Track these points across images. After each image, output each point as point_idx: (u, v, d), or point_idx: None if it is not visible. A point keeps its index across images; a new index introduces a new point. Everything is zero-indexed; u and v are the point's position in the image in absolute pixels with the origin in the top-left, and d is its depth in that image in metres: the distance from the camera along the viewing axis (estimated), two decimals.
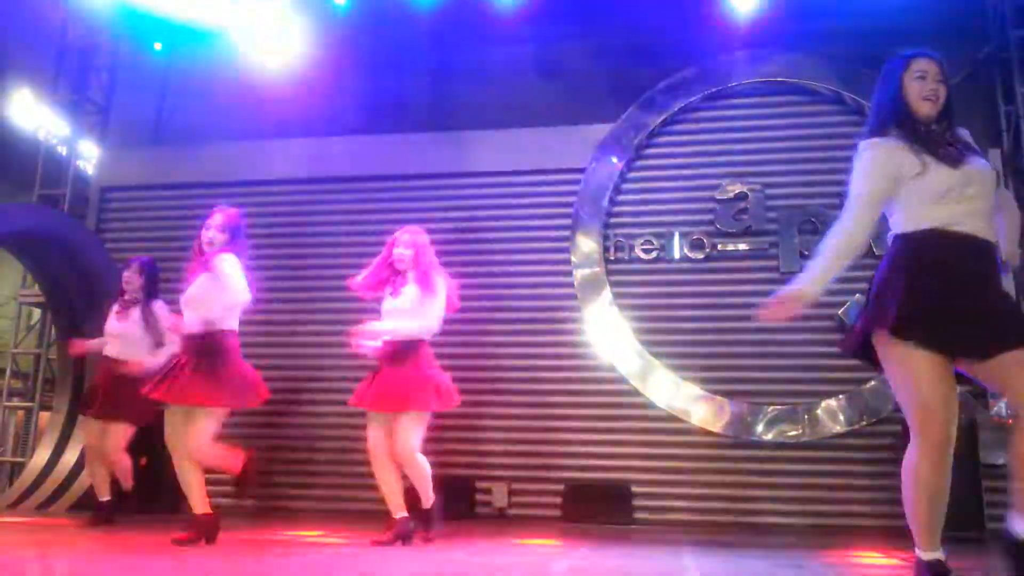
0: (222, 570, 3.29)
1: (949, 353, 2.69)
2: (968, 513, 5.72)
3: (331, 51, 7.91)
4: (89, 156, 8.77)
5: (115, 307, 5.55)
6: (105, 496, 5.47)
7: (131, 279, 5.54)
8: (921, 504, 2.67)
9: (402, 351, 4.51)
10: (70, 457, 7.33)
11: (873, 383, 6.62)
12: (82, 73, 8.86)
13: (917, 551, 2.72)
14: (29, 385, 8.67)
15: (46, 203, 8.35)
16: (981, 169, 2.80)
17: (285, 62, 7.75)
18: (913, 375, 2.68)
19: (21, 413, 8.40)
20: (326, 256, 7.66)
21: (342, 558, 3.98)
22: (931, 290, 2.70)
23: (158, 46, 8.54)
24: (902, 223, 2.87)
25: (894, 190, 2.83)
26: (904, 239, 2.84)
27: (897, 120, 2.90)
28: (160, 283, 5.69)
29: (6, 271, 11.85)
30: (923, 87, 2.87)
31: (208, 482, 4.31)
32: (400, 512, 4.44)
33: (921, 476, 2.66)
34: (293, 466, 7.23)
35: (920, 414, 2.68)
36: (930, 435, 2.65)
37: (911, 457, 2.70)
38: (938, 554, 2.69)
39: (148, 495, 6.08)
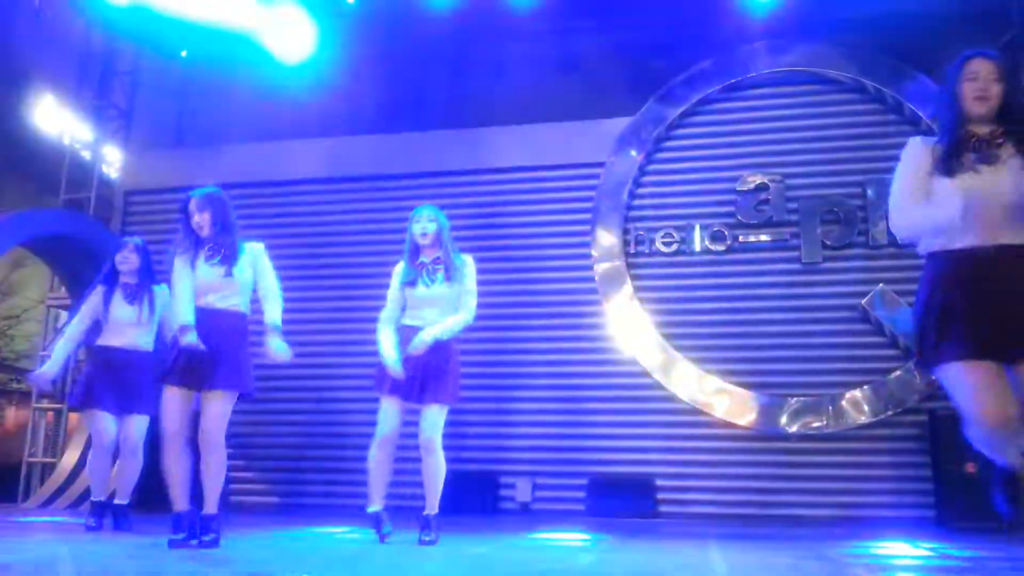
0: (247, 562, 3.33)
1: (993, 358, 2.69)
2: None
3: (349, 51, 7.95)
4: (113, 160, 8.87)
5: (117, 292, 5.09)
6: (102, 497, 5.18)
7: (129, 259, 5.13)
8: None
9: (442, 342, 4.47)
10: None
11: (898, 373, 6.57)
12: (104, 78, 8.96)
13: None
14: (58, 387, 8.78)
15: (71, 207, 8.46)
16: (1012, 175, 2.73)
17: (304, 63, 7.79)
18: (962, 389, 2.71)
19: (51, 414, 8.51)
20: (348, 255, 7.72)
21: (366, 552, 4.01)
22: (956, 308, 2.72)
23: (184, 54, 8.62)
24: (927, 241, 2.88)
25: (925, 187, 2.83)
26: (928, 257, 2.87)
27: (953, 122, 2.87)
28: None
29: (34, 275, 12.02)
30: (974, 87, 2.83)
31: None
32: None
33: None
34: (318, 462, 7.30)
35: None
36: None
37: None
38: None
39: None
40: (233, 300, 4.13)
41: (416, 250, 4.56)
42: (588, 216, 7.38)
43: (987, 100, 2.81)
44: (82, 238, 7.53)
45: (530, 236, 7.51)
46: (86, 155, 8.80)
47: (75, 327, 5.09)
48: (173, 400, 3.94)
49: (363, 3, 7.99)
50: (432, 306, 4.49)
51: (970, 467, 5.79)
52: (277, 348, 4.10)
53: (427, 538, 4.25)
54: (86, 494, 7.18)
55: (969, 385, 2.69)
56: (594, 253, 7.29)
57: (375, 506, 4.40)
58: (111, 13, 7.77)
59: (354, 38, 8.00)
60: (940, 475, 6.01)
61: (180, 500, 3.93)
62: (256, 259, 4.28)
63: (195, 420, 4.01)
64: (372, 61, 8.05)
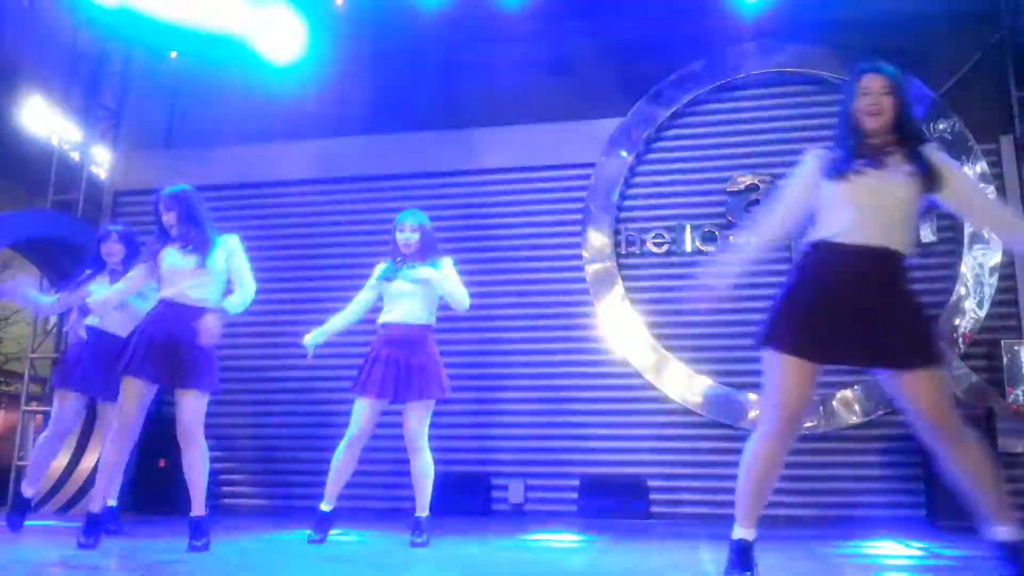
0: (245, 567, 3.32)
1: (817, 359, 2.86)
2: None
3: (339, 51, 7.93)
4: (102, 161, 8.82)
5: (104, 279, 5.05)
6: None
7: (113, 249, 5.10)
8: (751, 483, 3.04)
9: (419, 337, 4.47)
10: (89, 462, 7.39)
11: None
12: (94, 79, 8.90)
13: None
14: (47, 390, 8.73)
15: (60, 208, 8.41)
16: (897, 179, 2.87)
17: (293, 64, 7.77)
18: (777, 377, 2.90)
19: (40, 417, 8.46)
20: (338, 256, 7.70)
21: (357, 554, 4.00)
22: (805, 301, 2.87)
23: (174, 55, 8.58)
24: (808, 236, 3.05)
25: (807, 197, 3.03)
26: (802, 252, 3.03)
27: (847, 135, 3.03)
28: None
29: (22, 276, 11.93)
30: (866, 102, 2.97)
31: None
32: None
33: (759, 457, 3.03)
34: (309, 464, 7.27)
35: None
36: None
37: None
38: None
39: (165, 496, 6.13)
40: (204, 292, 4.11)
41: (400, 256, 4.61)
42: (579, 217, 7.38)
43: (879, 115, 2.94)
44: (71, 239, 7.49)
45: (521, 237, 7.51)
46: (75, 156, 8.74)
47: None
48: (135, 391, 3.91)
49: (352, 4, 7.96)
50: (410, 297, 4.47)
51: None
52: (206, 323, 3.99)
53: (419, 540, 4.25)
54: (75, 498, 7.16)
55: (783, 378, 2.87)
56: (585, 254, 7.29)
57: (329, 505, 4.41)
58: (100, 13, 7.72)
59: (343, 39, 7.98)
60: (930, 474, 6.02)
61: (109, 496, 3.96)
62: (231, 252, 4.26)
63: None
64: (362, 62, 8.03)
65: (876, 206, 2.85)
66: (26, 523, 5.11)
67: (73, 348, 5.11)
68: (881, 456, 6.53)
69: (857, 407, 6.60)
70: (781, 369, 2.87)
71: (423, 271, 4.47)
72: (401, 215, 4.69)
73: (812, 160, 3.07)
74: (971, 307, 6.60)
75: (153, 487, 6.50)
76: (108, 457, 3.93)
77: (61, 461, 7.48)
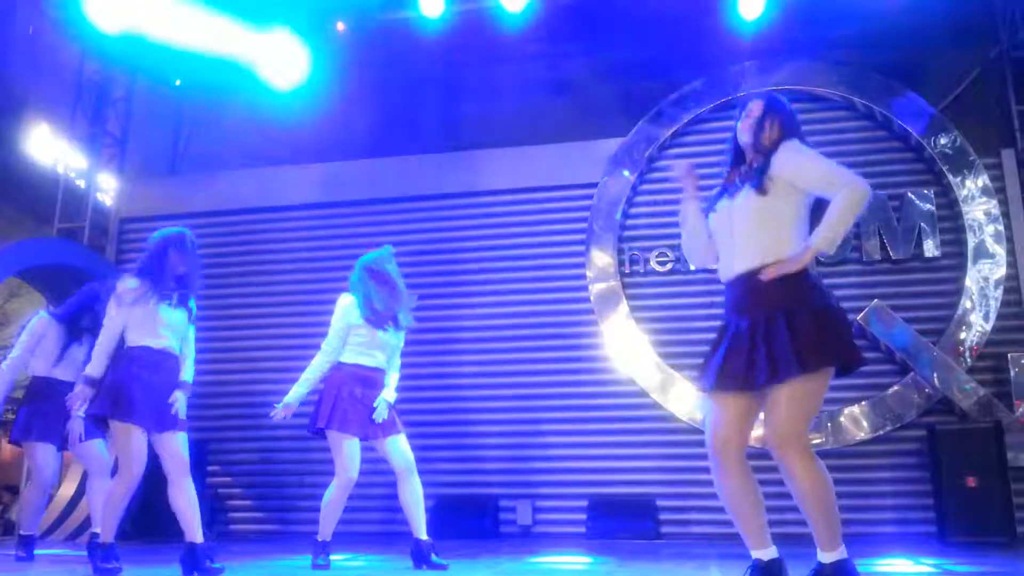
0: None
1: (720, 388, 2.90)
2: (997, 517, 5.67)
3: (341, 76, 8.00)
4: (107, 188, 8.88)
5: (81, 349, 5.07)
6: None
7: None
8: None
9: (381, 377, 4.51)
10: None
11: (896, 388, 6.58)
12: (99, 106, 8.97)
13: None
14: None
15: (66, 236, 8.44)
16: (740, 198, 2.92)
17: (296, 89, 7.83)
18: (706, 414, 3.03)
19: None
20: (343, 280, 7.68)
21: None
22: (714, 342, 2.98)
23: (178, 82, 8.65)
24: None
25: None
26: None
27: (735, 154, 3.11)
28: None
29: (29, 304, 11.98)
30: (744, 124, 3.03)
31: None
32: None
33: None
34: (314, 489, 7.24)
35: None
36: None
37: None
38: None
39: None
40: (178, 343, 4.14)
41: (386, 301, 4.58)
42: (582, 237, 7.39)
43: (747, 132, 3.01)
44: (77, 267, 7.51)
45: (525, 258, 7.52)
46: (80, 183, 8.80)
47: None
48: (142, 441, 3.91)
49: (355, 29, 8.04)
50: (386, 350, 4.52)
51: (971, 481, 5.78)
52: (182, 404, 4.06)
53: (443, 562, 4.26)
54: (84, 526, 7.15)
55: (708, 411, 2.96)
56: (589, 274, 7.30)
57: (327, 537, 4.40)
58: (105, 42, 7.80)
59: (346, 64, 8.05)
60: (941, 490, 6.00)
61: (114, 531, 3.96)
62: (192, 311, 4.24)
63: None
64: (364, 86, 8.10)
65: (725, 235, 2.97)
66: (35, 552, 5.15)
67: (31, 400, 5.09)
68: (890, 472, 6.49)
69: (865, 423, 6.57)
70: (710, 404, 3.05)
71: (390, 397, 4.48)
72: (385, 253, 4.71)
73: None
74: (977, 321, 6.59)
75: (157, 514, 6.50)
76: (117, 500, 3.93)
77: (68, 489, 7.48)
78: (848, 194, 2.73)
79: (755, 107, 3.03)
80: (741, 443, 2.96)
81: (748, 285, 2.84)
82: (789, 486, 2.87)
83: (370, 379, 4.43)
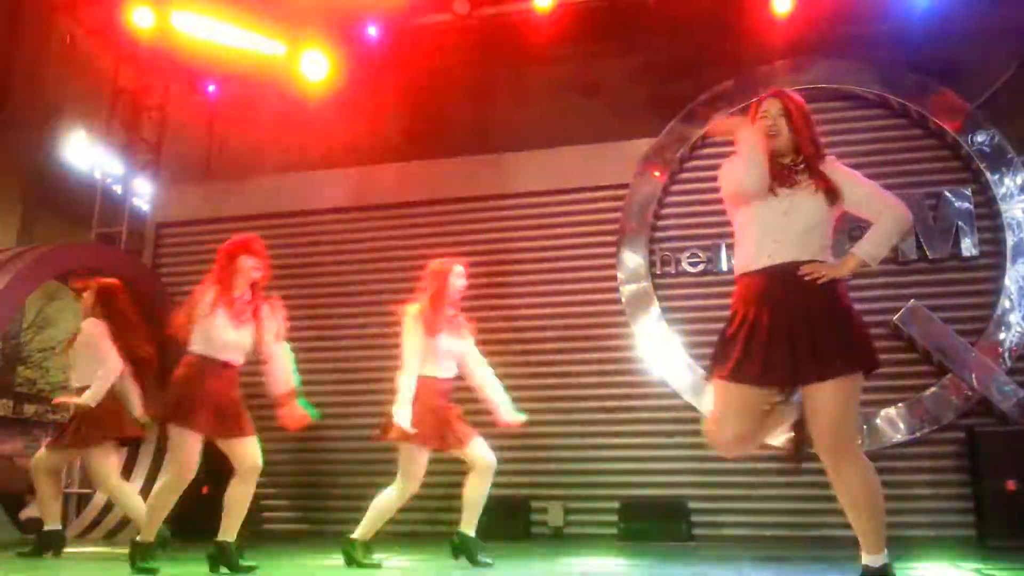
0: None
1: (754, 383, 2.87)
2: None
3: (373, 80, 8.04)
4: (143, 194, 9.02)
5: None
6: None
7: None
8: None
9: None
10: (134, 488, 7.48)
11: (933, 390, 6.48)
12: (134, 113, 9.12)
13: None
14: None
15: (104, 240, 8.60)
16: (805, 197, 2.91)
17: (328, 93, 7.90)
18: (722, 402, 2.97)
19: None
20: (374, 283, 7.75)
21: None
22: (738, 330, 2.93)
23: (211, 88, 8.77)
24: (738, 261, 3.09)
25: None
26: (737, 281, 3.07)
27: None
28: None
29: (68, 307, 12.21)
30: (764, 125, 3.03)
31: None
32: None
33: None
34: (342, 489, 7.30)
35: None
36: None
37: None
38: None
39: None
40: None
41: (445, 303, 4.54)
42: (614, 238, 7.37)
43: (776, 136, 3.01)
44: (114, 271, 7.63)
45: (556, 260, 7.51)
46: (117, 189, 8.95)
47: None
48: (198, 445, 3.98)
49: (386, 32, 8.09)
50: (458, 356, 4.54)
51: (1011, 485, 5.69)
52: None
53: (489, 561, 4.28)
54: (121, 525, 7.25)
55: (724, 404, 2.93)
56: (620, 275, 7.28)
57: (367, 537, 4.44)
58: (139, 49, 7.93)
59: (377, 67, 8.10)
60: (980, 493, 5.90)
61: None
62: None
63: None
64: (396, 89, 8.14)
65: (786, 226, 2.91)
66: (67, 550, 5.24)
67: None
68: (928, 475, 6.39)
69: (902, 425, 6.48)
70: (726, 394, 2.98)
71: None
72: (450, 262, 4.66)
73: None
74: (1016, 320, 6.47)
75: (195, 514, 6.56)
76: (164, 502, 3.99)
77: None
78: (899, 217, 2.93)
79: (772, 106, 3.06)
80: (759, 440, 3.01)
81: (789, 278, 2.84)
82: (840, 489, 2.88)
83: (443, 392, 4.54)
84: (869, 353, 2.83)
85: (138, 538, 4.07)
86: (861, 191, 2.97)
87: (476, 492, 4.38)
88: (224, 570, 3.99)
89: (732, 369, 2.86)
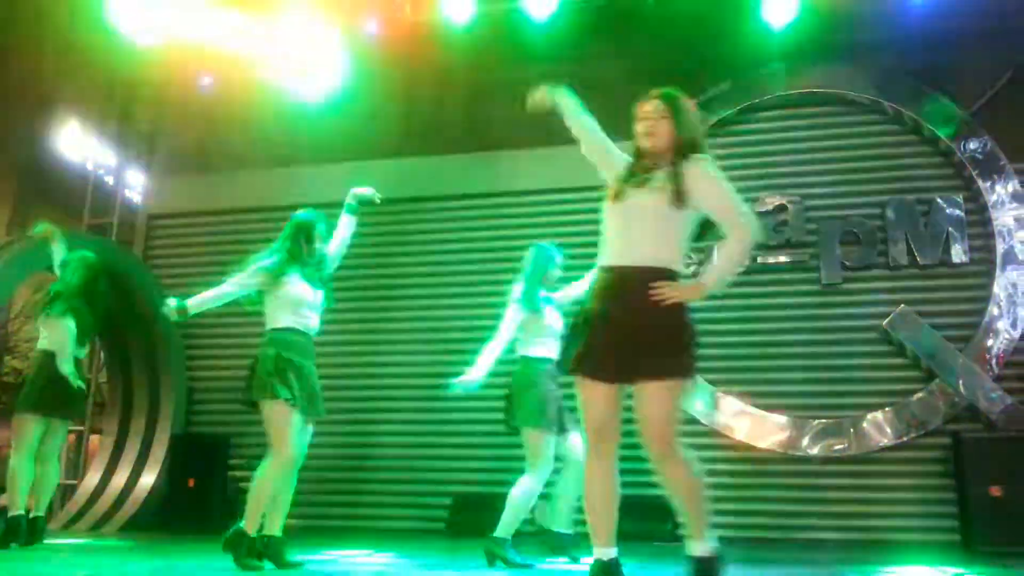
0: None
1: (600, 379, 2.89)
2: (1022, 526, 5.60)
3: (368, 75, 8.02)
4: (136, 185, 8.99)
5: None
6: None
7: None
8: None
9: None
10: (120, 479, 7.47)
11: (921, 395, 6.51)
12: (128, 104, 9.09)
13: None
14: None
15: (95, 232, 8.56)
16: (645, 200, 2.89)
17: (323, 88, 7.86)
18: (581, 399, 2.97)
19: (72, 436, 8.56)
20: (371, 277, 7.73)
21: None
22: (581, 327, 2.91)
23: (207, 81, 8.73)
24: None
25: None
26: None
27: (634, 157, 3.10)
28: None
29: None
30: (642, 126, 3.08)
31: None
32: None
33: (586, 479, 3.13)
34: (357, 485, 7.28)
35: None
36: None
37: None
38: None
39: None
40: None
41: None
42: None
43: (653, 136, 3.03)
44: (104, 263, 7.60)
45: None
46: (109, 180, 8.92)
47: None
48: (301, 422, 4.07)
49: (383, 28, 8.07)
50: (556, 336, 4.58)
51: (995, 490, 5.72)
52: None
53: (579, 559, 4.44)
54: (107, 516, 7.24)
55: (584, 399, 2.93)
56: None
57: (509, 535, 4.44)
58: (134, 41, 7.88)
59: (374, 62, 8.08)
60: (965, 498, 5.93)
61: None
62: None
63: None
64: (393, 85, 8.12)
65: (632, 225, 2.92)
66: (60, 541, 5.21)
67: None
68: (914, 479, 6.43)
69: (889, 429, 6.51)
70: (583, 392, 2.97)
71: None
72: (556, 247, 4.88)
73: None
74: (1004, 328, 6.51)
75: (184, 507, 6.55)
76: (278, 486, 3.99)
77: (93, 479, 7.58)
78: (742, 239, 2.91)
79: (648, 107, 3.07)
80: (619, 435, 3.06)
81: (634, 280, 2.84)
82: (664, 484, 3.00)
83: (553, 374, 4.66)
84: (689, 361, 2.85)
85: (242, 526, 3.90)
86: (711, 204, 2.93)
87: (573, 489, 4.47)
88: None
89: (575, 362, 2.91)
